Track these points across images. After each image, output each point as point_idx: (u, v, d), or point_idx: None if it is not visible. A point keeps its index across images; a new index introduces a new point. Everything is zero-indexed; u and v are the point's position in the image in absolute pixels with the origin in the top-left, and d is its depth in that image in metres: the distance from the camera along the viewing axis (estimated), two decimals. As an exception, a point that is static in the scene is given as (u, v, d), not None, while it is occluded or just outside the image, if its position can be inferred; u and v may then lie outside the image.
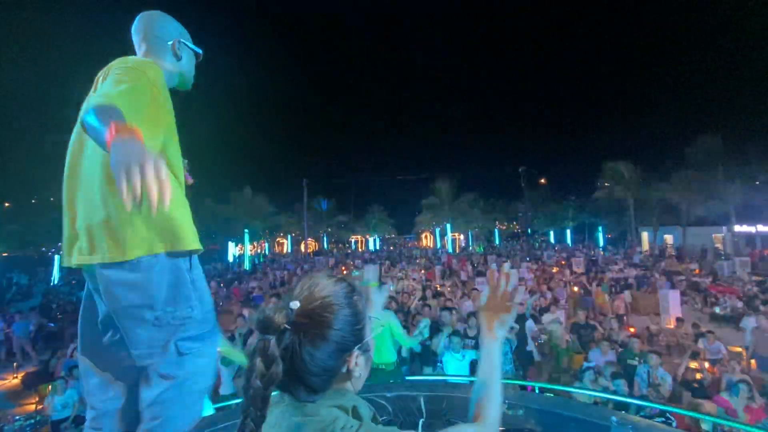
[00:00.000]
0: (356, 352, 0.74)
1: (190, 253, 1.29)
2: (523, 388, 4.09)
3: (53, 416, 5.35)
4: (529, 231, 35.27)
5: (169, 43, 1.52)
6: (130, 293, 1.18)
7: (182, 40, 1.56)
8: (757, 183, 20.98)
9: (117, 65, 1.29)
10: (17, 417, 5.38)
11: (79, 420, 5.31)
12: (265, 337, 0.66)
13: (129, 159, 0.79)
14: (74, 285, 19.06)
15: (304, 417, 0.69)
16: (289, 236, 41.88)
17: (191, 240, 1.26)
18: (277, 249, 44.26)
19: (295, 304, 0.69)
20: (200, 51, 1.63)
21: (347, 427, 0.67)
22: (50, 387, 5.58)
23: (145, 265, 1.18)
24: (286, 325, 0.67)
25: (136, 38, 1.52)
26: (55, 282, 20.93)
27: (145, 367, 1.25)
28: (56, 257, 22.14)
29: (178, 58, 1.55)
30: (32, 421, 5.19)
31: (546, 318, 7.66)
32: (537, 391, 3.61)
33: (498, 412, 0.88)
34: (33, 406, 6.47)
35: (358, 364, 0.75)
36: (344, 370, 0.74)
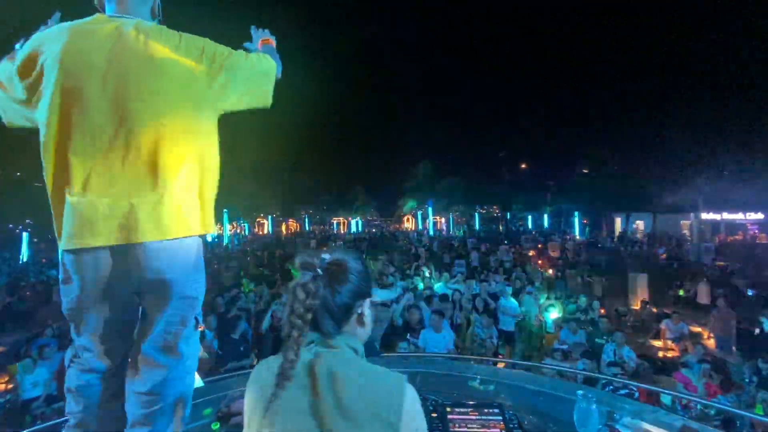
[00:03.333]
0: (368, 300, 0.95)
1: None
2: (497, 364, 4.24)
3: (24, 395, 5.24)
4: (508, 215, 35.87)
5: None
6: (175, 270, 1.20)
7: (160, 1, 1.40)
8: (725, 173, 21.82)
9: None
10: (-15, 397, 5.24)
11: (50, 399, 5.22)
12: (305, 274, 0.85)
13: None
14: (44, 264, 18.45)
15: (329, 348, 0.85)
16: (269, 217, 41.38)
17: (212, 224, 1.33)
18: (257, 230, 43.73)
19: (327, 256, 0.91)
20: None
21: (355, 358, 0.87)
22: (18, 366, 5.44)
23: (188, 243, 1.24)
24: (319, 269, 0.87)
25: None
26: (24, 260, 20.15)
27: (150, 350, 1.22)
28: (25, 234, 21.22)
29: (154, 19, 1.36)
30: (2, 400, 5.06)
31: (521, 299, 7.88)
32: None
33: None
34: (2, 386, 6.31)
35: (366, 314, 0.94)
36: (359, 311, 0.92)
